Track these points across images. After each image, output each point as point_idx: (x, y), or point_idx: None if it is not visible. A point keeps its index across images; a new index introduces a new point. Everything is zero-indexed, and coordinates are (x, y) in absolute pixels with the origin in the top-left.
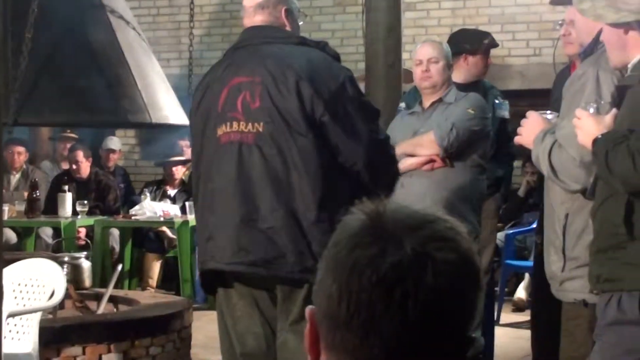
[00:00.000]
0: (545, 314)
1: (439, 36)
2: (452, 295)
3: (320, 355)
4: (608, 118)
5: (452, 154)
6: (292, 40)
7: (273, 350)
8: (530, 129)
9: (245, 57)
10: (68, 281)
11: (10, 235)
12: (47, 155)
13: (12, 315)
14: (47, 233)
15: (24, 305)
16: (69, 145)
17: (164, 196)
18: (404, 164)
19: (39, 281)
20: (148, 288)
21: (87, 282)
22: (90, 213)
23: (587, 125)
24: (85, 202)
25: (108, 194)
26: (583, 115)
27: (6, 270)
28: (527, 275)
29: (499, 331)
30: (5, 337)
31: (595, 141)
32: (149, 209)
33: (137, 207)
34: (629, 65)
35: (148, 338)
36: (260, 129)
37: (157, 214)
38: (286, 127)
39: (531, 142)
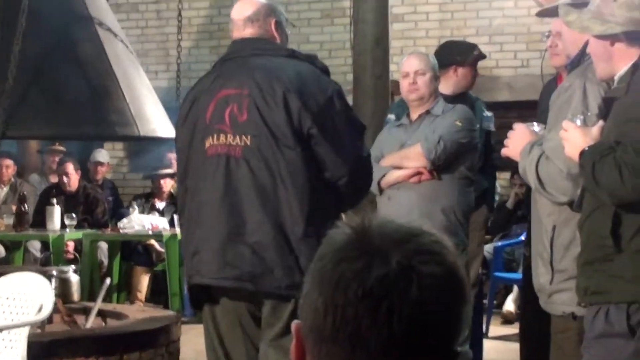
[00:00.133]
0: (535, 326)
1: (427, 48)
2: (438, 309)
3: None
4: (595, 130)
5: (440, 166)
6: (282, 53)
7: None
8: (517, 141)
9: (233, 69)
10: (56, 295)
11: None
12: (35, 168)
13: (0, 329)
14: (35, 247)
15: (12, 320)
16: (57, 158)
17: (152, 209)
18: (392, 176)
19: (27, 295)
20: (136, 302)
21: (76, 296)
22: (78, 226)
23: (574, 137)
24: (74, 215)
25: (96, 207)
26: (570, 127)
27: None
28: (515, 288)
29: (487, 344)
30: None
31: (582, 153)
32: (137, 222)
33: (125, 220)
34: (616, 77)
35: (136, 352)
36: (248, 142)
37: (146, 227)
38: (274, 140)
39: (518, 154)
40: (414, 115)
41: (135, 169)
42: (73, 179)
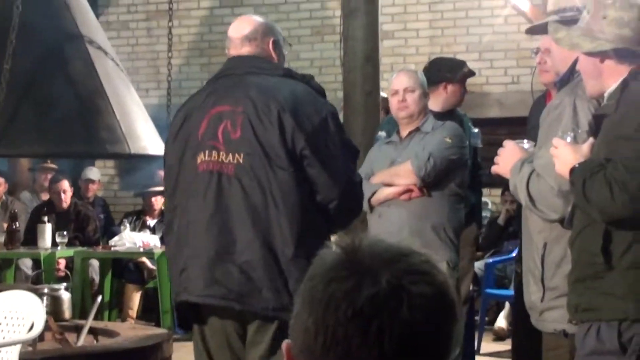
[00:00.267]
0: (527, 343)
1: (417, 65)
2: (428, 329)
3: None
4: (585, 147)
5: (430, 183)
6: (278, 72)
7: None
8: (508, 158)
9: (228, 85)
10: (48, 313)
11: None
12: (26, 186)
13: None
14: (26, 264)
15: (3, 338)
16: (49, 176)
17: (143, 227)
18: (382, 193)
19: (19, 313)
20: (128, 319)
21: (67, 313)
22: (69, 244)
23: (565, 154)
24: (65, 233)
25: (87, 224)
26: (560, 144)
27: None
28: (507, 304)
29: None
30: None
31: (573, 170)
32: (128, 239)
33: (116, 237)
34: (605, 94)
35: None
36: (241, 160)
37: (137, 244)
38: (267, 159)
39: (508, 172)
40: (404, 133)
41: (126, 186)
42: (68, 195)
